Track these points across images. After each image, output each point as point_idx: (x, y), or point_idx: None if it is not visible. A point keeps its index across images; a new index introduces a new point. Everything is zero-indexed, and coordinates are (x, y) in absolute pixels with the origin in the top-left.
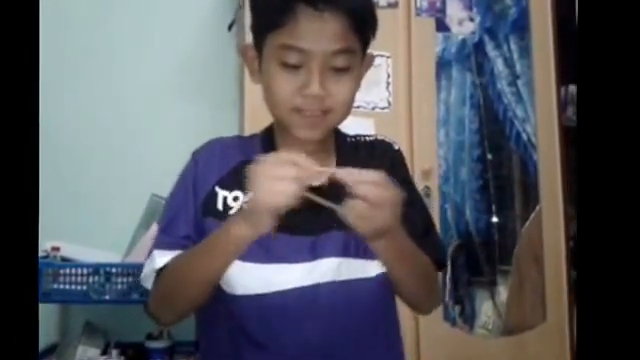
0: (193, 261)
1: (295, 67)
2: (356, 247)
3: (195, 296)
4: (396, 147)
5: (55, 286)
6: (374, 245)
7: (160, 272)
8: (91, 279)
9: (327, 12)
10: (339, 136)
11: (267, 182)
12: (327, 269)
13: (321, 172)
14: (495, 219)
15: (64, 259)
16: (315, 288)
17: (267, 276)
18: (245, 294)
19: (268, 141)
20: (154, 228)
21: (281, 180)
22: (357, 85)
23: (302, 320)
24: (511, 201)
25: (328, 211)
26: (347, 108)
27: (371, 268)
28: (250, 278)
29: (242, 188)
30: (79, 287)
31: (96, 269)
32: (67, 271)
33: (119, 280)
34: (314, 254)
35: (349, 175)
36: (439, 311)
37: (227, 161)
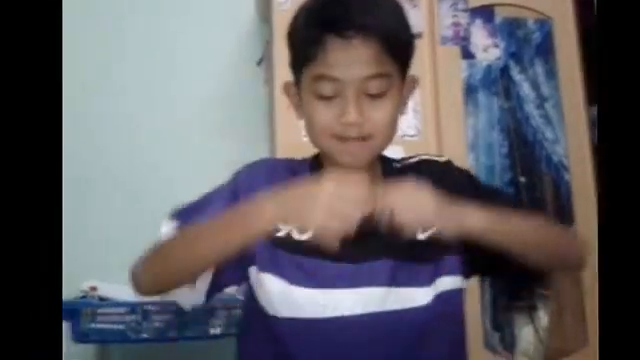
0: (207, 233)
1: (330, 97)
2: (407, 276)
3: (192, 270)
4: (442, 160)
5: (93, 325)
6: (475, 236)
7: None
8: (128, 318)
9: (356, 39)
10: (386, 163)
11: (333, 201)
12: (374, 298)
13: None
14: None
15: (102, 298)
16: (363, 317)
17: (314, 300)
18: (290, 317)
19: (317, 166)
20: None
21: (348, 202)
22: (398, 109)
23: (350, 349)
24: None
25: (375, 239)
26: (388, 132)
27: (420, 296)
28: (296, 301)
29: None
30: (116, 326)
31: (133, 307)
32: (105, 310)
33: (156, 318)
34: (358, 281)
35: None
36: (480, 339)
37: (274, 179)
